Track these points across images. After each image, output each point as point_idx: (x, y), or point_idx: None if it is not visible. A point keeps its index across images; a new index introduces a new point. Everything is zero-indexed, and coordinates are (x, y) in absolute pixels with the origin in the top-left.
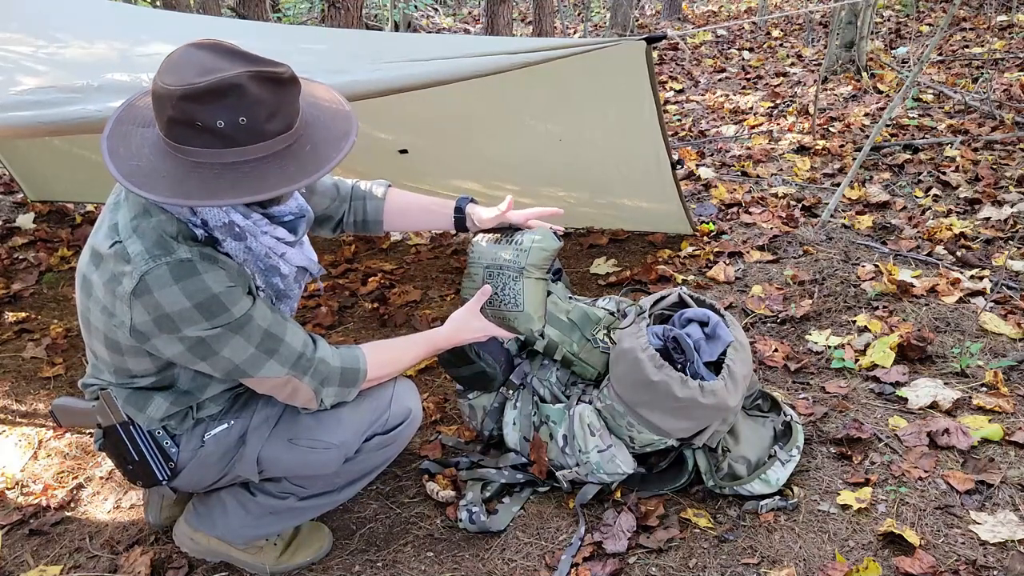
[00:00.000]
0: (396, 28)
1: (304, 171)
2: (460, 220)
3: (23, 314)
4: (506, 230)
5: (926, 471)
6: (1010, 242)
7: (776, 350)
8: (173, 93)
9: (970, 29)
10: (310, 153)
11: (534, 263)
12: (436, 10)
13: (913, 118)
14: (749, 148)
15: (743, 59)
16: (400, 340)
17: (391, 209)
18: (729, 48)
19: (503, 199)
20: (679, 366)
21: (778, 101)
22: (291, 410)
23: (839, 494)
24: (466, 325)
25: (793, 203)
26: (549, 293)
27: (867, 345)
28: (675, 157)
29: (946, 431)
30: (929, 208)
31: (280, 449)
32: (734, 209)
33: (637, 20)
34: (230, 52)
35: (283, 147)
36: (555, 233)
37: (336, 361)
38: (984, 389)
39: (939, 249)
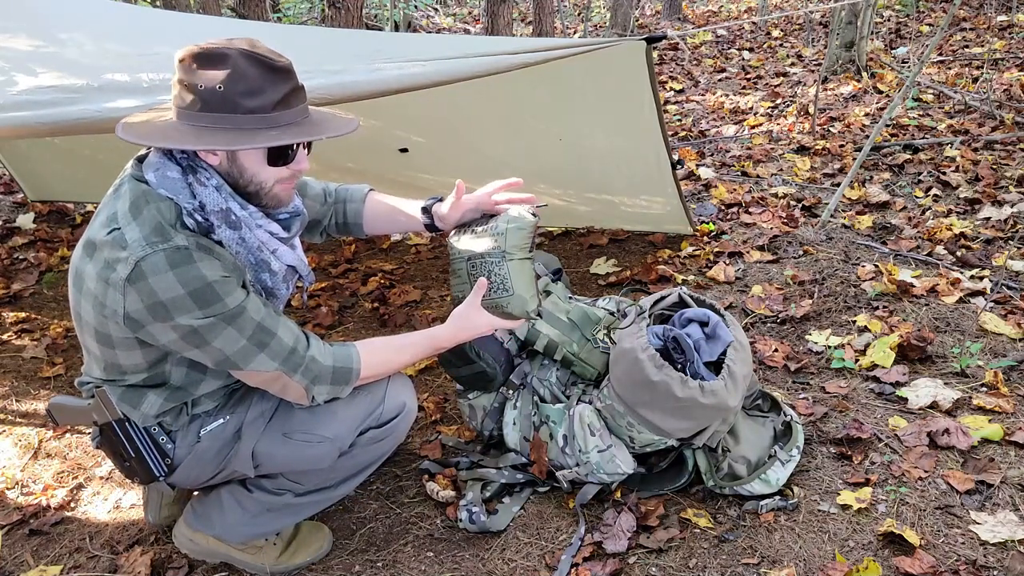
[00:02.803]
0: (396, 28)
1: (243, 141)
2: (428, 220)
3: (23, 314)
4: (479, 220)
5: (926, 471)
6: (1010, 242)
7: (776, 350)
8: (178, 55)
9: (970, 29)
10: (275, 136)
11: (514, 244)
12: (436, 10)
13: (913, 118)
14: (749, 148)
15: (743, 59)
16: (399, 339)
17: (369, 213)
18: (729, 48)
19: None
20: (679, 366)
21: (778, 101)
22: (286, 405)
23: (839, 494)
24: (468, 322)
25: (793, 203)
26: (539, 277)
27: (867, 345)
28: (675, 157)
29: (946, 431)
30: (929, 208)
31: (275, 443)
32: (734, 209)
33: (637, 20)
34: (252, 42)
35: (251, 128)
36: (531, 211)
37: (328, 360)
38: (984, 389)
39: (939, 249)
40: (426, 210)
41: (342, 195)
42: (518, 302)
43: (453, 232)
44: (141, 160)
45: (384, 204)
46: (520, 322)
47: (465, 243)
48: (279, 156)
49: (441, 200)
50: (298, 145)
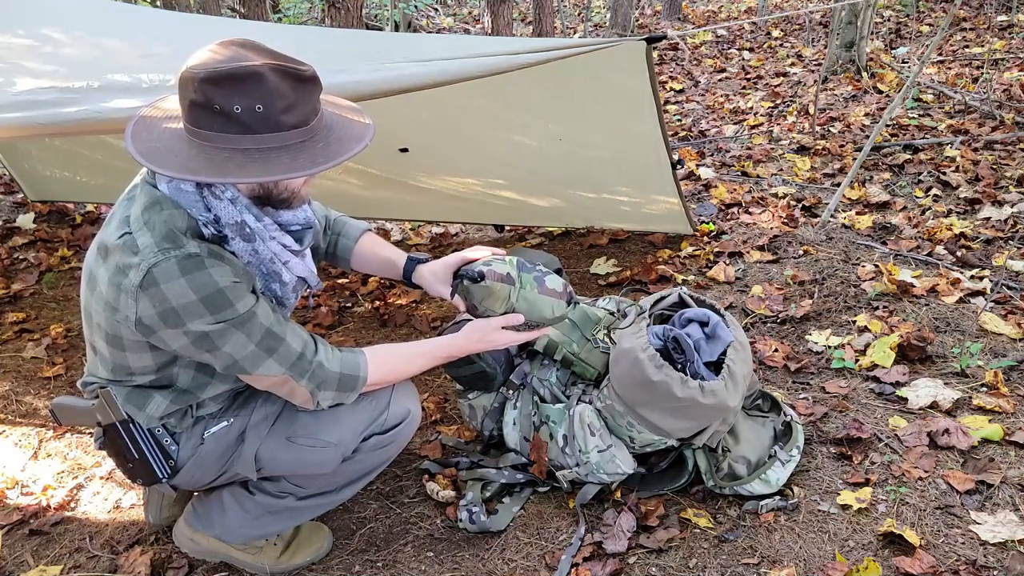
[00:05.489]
0: (396, 28)
1: (314, 162)
2: (408, 276)
3: (23, 314)
4: (457, 277)
5: (926, 471)
6: (1010, 242)
7: (776, 350)
8: (196, 75)
9: (970, 29)
10: (322, 149)
11: (495, 301)
12: (436, 10)
13: (913, 118)
14: (749, 148)
15: (743, 59)
16: (409, 347)
17: (359, 253)
18: (729, 48)
19: (502, 199)
20: (679, 366)
21: (778, 101)
22: (290, 408)
23: (839, 494)
24: (483, 336)
25: (793, 203)
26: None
27: (867, 345)
28: (675, 157)
29: (946, 431)
30: (929, 208)
31: (278, 447)
32: (734, 209)
33: (637, 20)
34: (257, 47)
35: (297, 141)
36: (475, 271)
37: (335, 366)
38: (984, 389)
39: (939, 249)
40: (409, 265)
41: (338, 228)
42: (552, 322)
43: (462, 318)
44: None
45: (375, 249)
46: (541, 332)
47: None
48: None
49: (425, 261)
50: None
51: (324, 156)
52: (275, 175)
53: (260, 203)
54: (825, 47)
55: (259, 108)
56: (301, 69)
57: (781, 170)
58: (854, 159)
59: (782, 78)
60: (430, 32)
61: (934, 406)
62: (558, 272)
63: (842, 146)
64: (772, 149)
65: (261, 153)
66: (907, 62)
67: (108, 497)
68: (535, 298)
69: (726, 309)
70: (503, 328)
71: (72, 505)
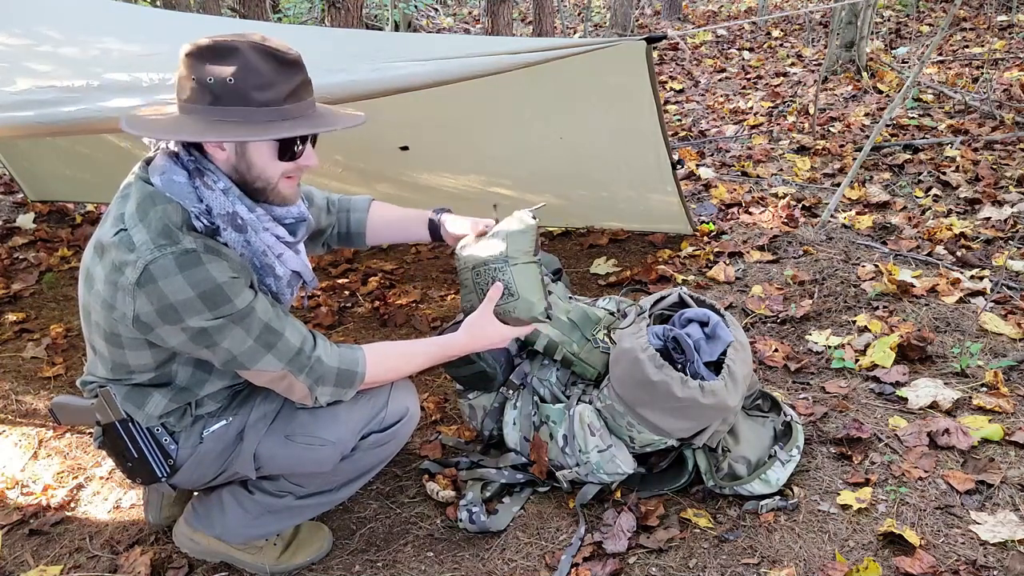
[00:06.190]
0: (396, 28)
1: (267, 132)
2: (434, 229)
3: (23, 314)
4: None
5: (926, 471)
6: (1010, 242)
7: (776, 350)
8: (185, 50)
9: (970, 29)
10: (288, 127)
11: (517, 248)
12: (436, 10)
13: (913, 118)
14: (749, 148)
15: (743, 59)
16: (408, 346)
17: (373, 222)
18: (729, 48)
19: (502, 197)
20: (679, 366)
21: (778, 101)
22: (289, 407)
23: (839, 494)
24: (481, 332)
25: (793, 203)
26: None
27: (867, 345)
28: (675, 157)
29: (946, 431)
30: (929, 208)
31: (277, 445)
32: (734, 209)
33: (637, 20)
34: (258, 35)
35: (264, 120)
36: (531, 214)
37: (333, 361)
38: (984, 389)
39: (939, 249)
40: (434, 218)
41: (345, 205)
42: (524, 306)
43: (459, 244)
44: (148, 162)
45: (389, 213)
46: (531, 328)
47: (469, 252)
48: (288, 150)
49: (449, 211)
50: (305, 140)
51: (280, 130)
52: (245, 136)
53: (245, 192)
54: (825, 47)
55: (231, 80)
56: (283, 51)
57: (781, 170)
58: (854, 159)
59: (782, 78)
60: (430, 32)
61: (934, 406)
62: (558, 272)
63: (842, 146)
64: (772, 149)
65: (221, 124)
66: (907, 62)
67: (108, 497)
68: (536, 283)
69: (726, 309)
70: (493, 305)
71: (72, 505)
